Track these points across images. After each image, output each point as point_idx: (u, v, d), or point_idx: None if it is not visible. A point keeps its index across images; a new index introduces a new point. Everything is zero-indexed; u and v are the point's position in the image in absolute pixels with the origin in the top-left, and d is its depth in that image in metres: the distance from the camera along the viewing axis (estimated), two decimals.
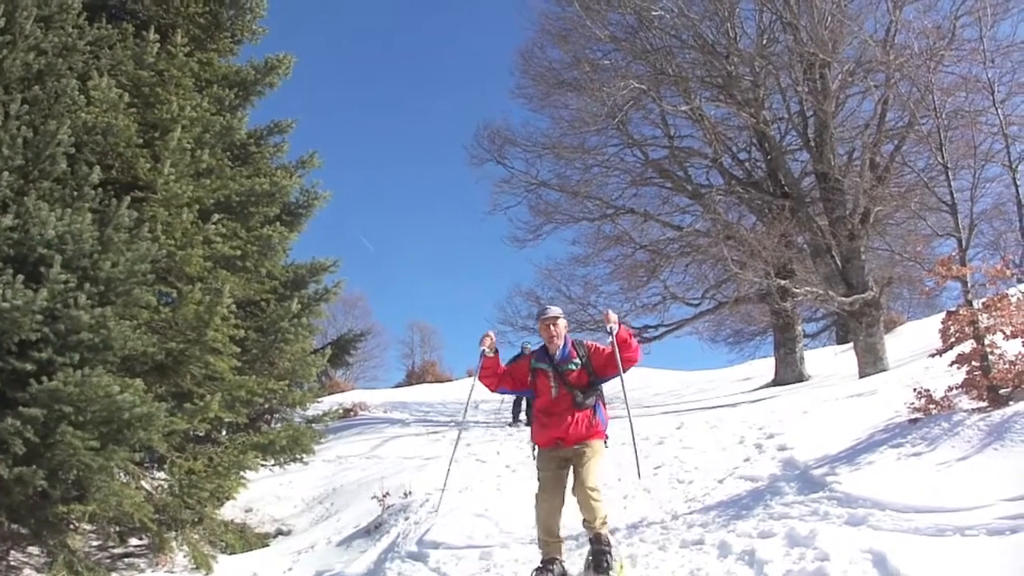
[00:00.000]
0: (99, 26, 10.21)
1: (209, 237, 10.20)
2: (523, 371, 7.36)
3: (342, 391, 32.36)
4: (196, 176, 10.42)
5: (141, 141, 9.83)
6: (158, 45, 10.46)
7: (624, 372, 6.99)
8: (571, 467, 7.06)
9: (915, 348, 21.11)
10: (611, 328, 7.00)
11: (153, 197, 9.62)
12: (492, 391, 7.64)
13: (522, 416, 19.22)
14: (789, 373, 25.11)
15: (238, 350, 10.32)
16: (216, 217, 10.37)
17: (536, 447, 7.35)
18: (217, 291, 9.75)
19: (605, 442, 7.26)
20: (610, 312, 7.33)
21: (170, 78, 10.63)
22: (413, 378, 47.33)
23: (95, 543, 10.16)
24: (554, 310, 7.39)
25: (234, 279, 10.69)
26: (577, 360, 7.15)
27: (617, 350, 6.93)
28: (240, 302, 10.82)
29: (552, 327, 7.20)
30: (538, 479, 7.30)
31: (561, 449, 7.06)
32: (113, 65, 10.13)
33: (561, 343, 7.20)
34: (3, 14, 8.70)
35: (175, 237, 9.70)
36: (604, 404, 7.33)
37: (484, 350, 7.22)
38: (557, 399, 7.08)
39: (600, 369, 7.19)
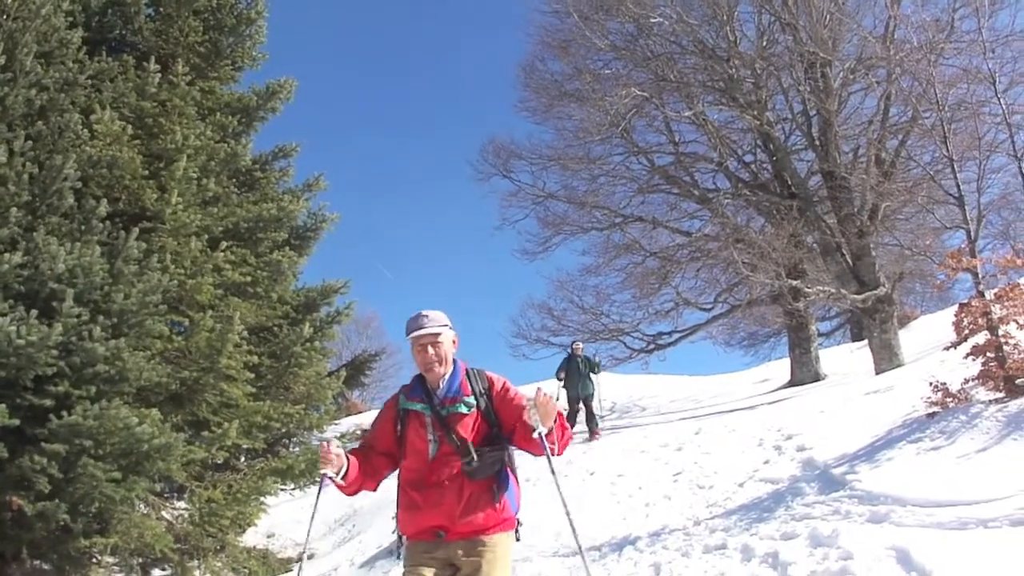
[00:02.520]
0: (99, 59, 10.28)
1: (218, 265, 10.24)
2: (388, 430, 4.76)
3: (359, 412, 32.32)
4: (203, 204, 10.46)
5: (147, 172, 9.87)
6: (159, 75, 10.50)
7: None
8: None
9: (930, 342, 21.04)
10: (536, 427, 4.39)
11: (161, 227, 9.67)
12: (373, 490, 5.00)
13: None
14: (805, 373, 25.01)
15: (252, 376, 10.34)
16: (225, 244, 10.41)
17: (402, 539, 4.75)
18: (228, 318, 9.77)
19: (516, 534, 4.77)
20: (541, 393, 4.47)
21: (173, 108, 10.68)
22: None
23: (118, 575, 10.16)
24: (432, 318, 4.72)
25: (245, 306, 10.72)
26: (471, 399, 4.68)
27: (545, 446, 4.43)
28: (252, 328, 10.84)
29: (431, 348, 4.63)
30: None
31: (442, 546, 4.54)
32: (115, 98, 10.18)
33: (447, 371, 4.69)
34: (3, 51, 8.75)
35: (184, 266, 9.73)
36: (513, 471, 4.81)
37: (328, 474, 4.54)
38: (437, 462, 4.52)
39: (508, 421, 4.66)
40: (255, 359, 10.45)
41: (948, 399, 9.56)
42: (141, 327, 8.65)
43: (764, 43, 23.12)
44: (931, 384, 9.81)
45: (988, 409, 8.79)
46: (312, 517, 5.27)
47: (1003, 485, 6.98)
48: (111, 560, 9.76)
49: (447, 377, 4.72)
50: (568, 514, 4.73)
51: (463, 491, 4.52)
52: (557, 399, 17.93)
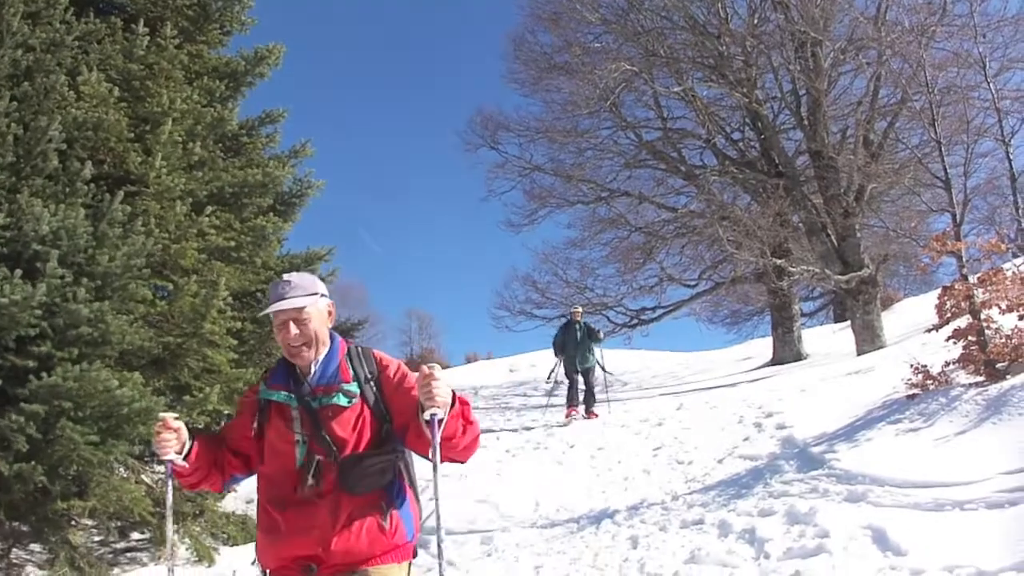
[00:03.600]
0: (87, 21, 10.17)
1: (203, 229, 10.18)
2: (244, 425, 3.75)
3: None
4: (188, 169, 10.39)
5: (132, 135, 9.79)
6: (147, 38, 10.40)
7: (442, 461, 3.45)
8: None
9: (912, 324, 21.18)
10: (433, 412, 3.32)
11: (146, 191, 9.60)
12: (218, 490, 4.14)
13: (557, 378, 18.40)
14: (787, 352, 25.15)
15: (235, 342, 10.31)
16: (209, 209, 10.35)
17: (266, 574, 3.68)
18: (213, 283, 9.73)
19: (408, 569, 3.68)
20: (426, 368, 3.40)
21: (160, 71, 10.59)
22: (411, 366, 47.21)
23: (97, 539, 10.16)
24: (296, 285, 3.72)
25: (229, 271, 10.66)
26: (353, 387, 3.62)
27: (437, 444, 3.37)
28: (236, 294, 10.79)
29: (294, 325, 3.63)
30: None
31: None
32: (102, 59, 10.08)
33: (319, 354, 3.70)
34: None
35: (169, 230, 9.67)
36: (411, 484, 3.76)
37: (168, 458, 3.59)
38: (306, 470, 3.49)
39: (402, 416, 3.59)
40: (238, 324, 10.42)
41: (929, 381, 9.63)
42: (125, 290, 8.60)
43: (755, 21, 23.13)
44: (912, 366, 9.88)
45: (968, 392, 8.86)
46: (165, 515, 3.95)
47: (980, 468, 7.05)
48: (89, 523, 9.76)
49: (321, 359, 3.71)
50: (436, 503, 3.52)
51: (340, 509, 3.46)
52: (554, 373, 18.26)
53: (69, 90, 9.14)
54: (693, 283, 25.96)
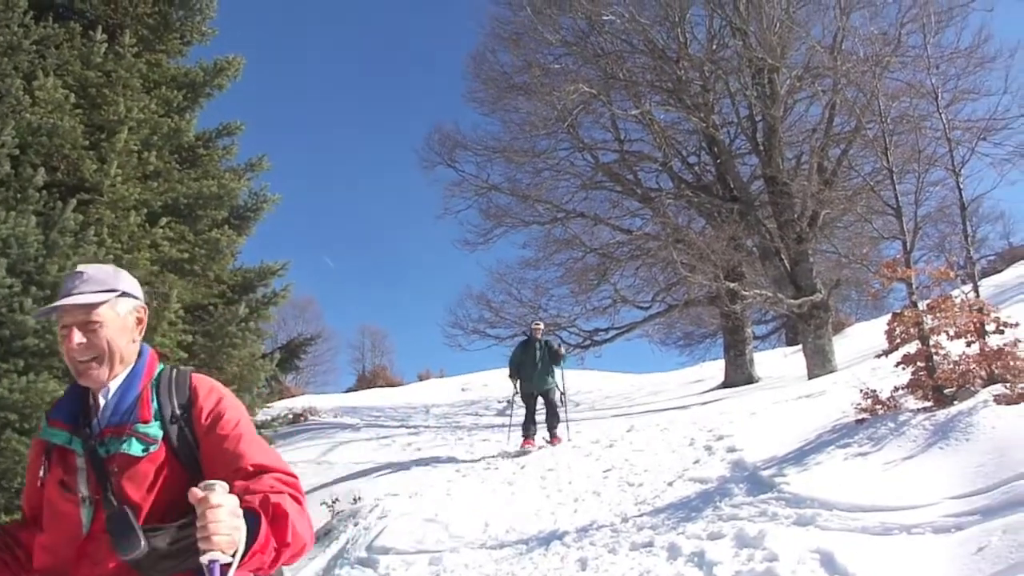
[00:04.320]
0: (45, 25, 10.07)
1: (156, 240, 10.08)
2: (34, 480, 2.82)
3: (292, 396, 32.13)
4: (143, 178, 10.30)
5: (87, 143, 9.69)
6: (106, 45, 10.33)
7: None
8: None
9: (863, 349, 21.40)
10: (212, 559, 2.21)
11: (99, 200, 9.49)
12: None
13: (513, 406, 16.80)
14: (739, 375, 25.33)
15: (185, 355, 10.20)
16: (163, 220, 10.26)
17: None
18: (164, 295, 9.64)
19: None
20: (198, 491, 2.27)
21: (117, 79, 10.50)
22: (364, 383, 47.24)
23: None
24: (90, 278, 2.79)
25: (181, 283, 10.57)
26: (153, 428, 2.67)
27: None
28: (187, 306, 10.69)
29: (79, 333, 2.69)
30: None
31: None
32: (59, 65, 9.99)
33: (115, 375, 2.75)
34: None
35: (122, 240, 9.57)
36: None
37: None
38: (93, 542, 2.55)
39: (211, 471, 2.57)
40: (189, 338, 10.32)
41: (878, 406, 9.74)
42: None
43: (714, 46, 23.39)
44: (862, 391, 9.98)
45: (916, 417, 8.96)
46: None
47: (927, 492, 7.12)
48: None
49: (117, 385, 2.74)
50: None
51: None
52: (514, 396, 16.24)
53: (24, 95, 9.03)
54: (646, 305, 26.08)
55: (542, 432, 15.35)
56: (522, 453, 14.50)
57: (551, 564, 7.86)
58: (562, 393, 16.09)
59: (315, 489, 13.09)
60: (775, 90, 21.28)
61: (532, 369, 15.50)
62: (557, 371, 15.86)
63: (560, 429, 15.46)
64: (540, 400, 15.49)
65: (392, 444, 17.60)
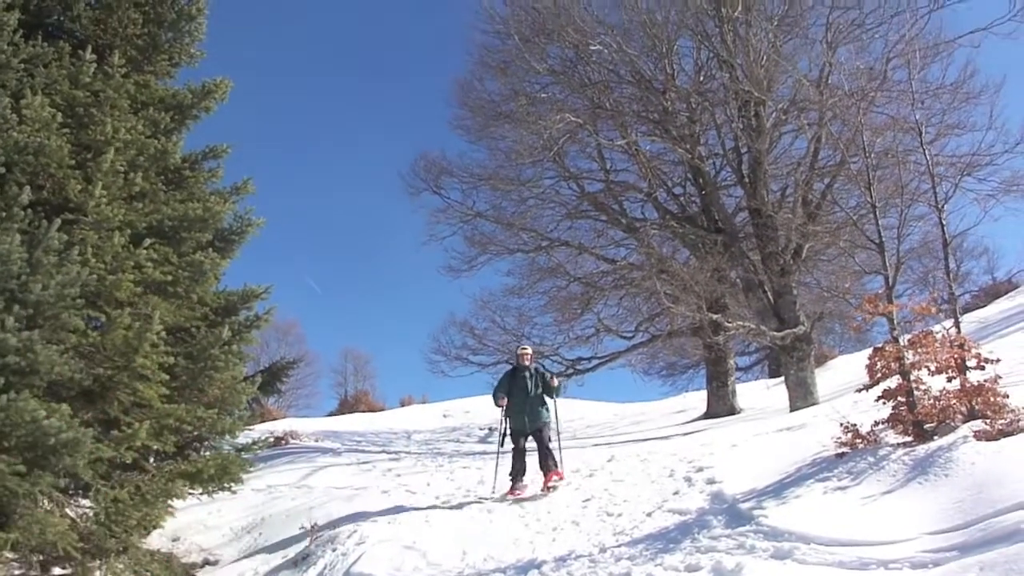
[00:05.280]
0: (35, 44, 10.09)
1: (140, 262, 10.08)
2: None
3: (274, 419, 32.06)
4: (128, 199, 10.31)
5: (73, 162, 9.70)
6: (94, 65, 10.36)
7: None
8: None
9: (846, 382, 21.47)
10: None
11: (84, 220, 9.50)
12: None
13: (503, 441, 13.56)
14: (721, 406, 25.40)
15: (167, 377, 10.19)
16: (148, 242, 10.26)
17: None
18: (147, 317, 9.64)
19: None
20: None
21: (105, 99, 10.52)
22: (345, 407, 47.19)
23: (17, 572, 9.92)
24: None
25: (164, 305, 10.57)
26: None
27: None
28: (170, 328, 10.68)
29: None
30: None
31: None
32: (48, 84, 10.01)
33: None
34: None
35: (105, 261, 9.57)
36: None
37: None
38: None
39: None
40: (171, 360, 10.30)
41: (858, 440, 9.76)
42: (57, 320, 8.49)
43: (701, 78, 23.53)
44: (841, 425, 10.01)
45: (896, 452, 8.97)
46: None
47: (905, 528, 7.13)
48: (11, 556, 9.53)
49: None
50: None
51: None
52: (504, 427, 13.57)
53: (12, 113, 9.05)
54: (630, 335, 26.10)
55: (531, 472, 13.27)
56: (511, 499, 12.62)
57: None
58: (555, 430, 13.65)
59: (294, 513, 13.05)
60: (761, 123, 21.39)
61: (522, 403, 13.28)
62: (550, 402, 13.60)
63: (556, 461, 13.25)
64: (529, 441, 13.38)
65: (372, 469, 17.54)
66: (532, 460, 13.31)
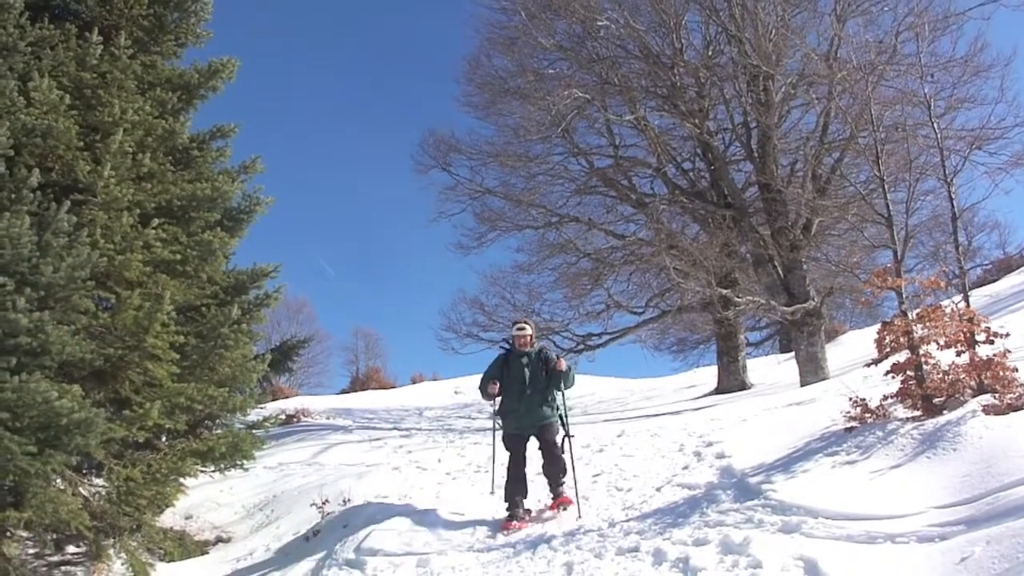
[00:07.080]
0: (41, 26, 10.09)
1: (149, 242, 10.12)
2: None
3: (285, 397, 32.24)
4: (137, 180, 10.33)
5: (82, 144, 9.72)
6: (101, 47, 10.35)
7: None
8: None
9: (856, 357, 21.49)
10: None
11: (93, 201, 9.52)
12: None
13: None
14: (732, 381, 25.41)
15: (178, 356, 10.23)
16: (157, 222, 10.30)
17: None
18: (157, 297, 9.68)
19: None
20: None
21: (112, 80, 10.53)
22: (357, 385, 47.37)
23: (32, 551, 10.02)
24: None
25: (174, 284, 10.60)
26: None
27: None
28: (180, 308, 10.74)
29: None
30: None
31: None
32: (55, 66, 10.02)
33: None
34: None
35: (115, 241, 9.60)
36: None
37: None
38: None
39: None
40: (181, 339, 10.34)
41: (867, 415, 9.75)
42: (67, 301, 8.54)
43: (709, 53, 23.46)
44: (850, 399, 10.00)
45: (904, 426, 8.97)
46: None
47: (914, 502, 7.14)
48: (24, 534, 9.62)
49: None
50: None
51: None
52: (496, 417, 10.82)
53: (19, 95, 9.06)
54: (640, 310, 26.16)
55: (536, 491, 10.48)
56: (505, 533, 9.41)
57: (537, 568, 7.87)
58: (567, 434, 10.36)
59: (305, 490, 13.14)
60: (770, 97, 21.32)
61: (518, 396, 10.10)
62: (558, 396, 10.34)
63: (567, 483, 10.18)
64: (537, 443, 10.22)
65: (384, 446, 17.62)
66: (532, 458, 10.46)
